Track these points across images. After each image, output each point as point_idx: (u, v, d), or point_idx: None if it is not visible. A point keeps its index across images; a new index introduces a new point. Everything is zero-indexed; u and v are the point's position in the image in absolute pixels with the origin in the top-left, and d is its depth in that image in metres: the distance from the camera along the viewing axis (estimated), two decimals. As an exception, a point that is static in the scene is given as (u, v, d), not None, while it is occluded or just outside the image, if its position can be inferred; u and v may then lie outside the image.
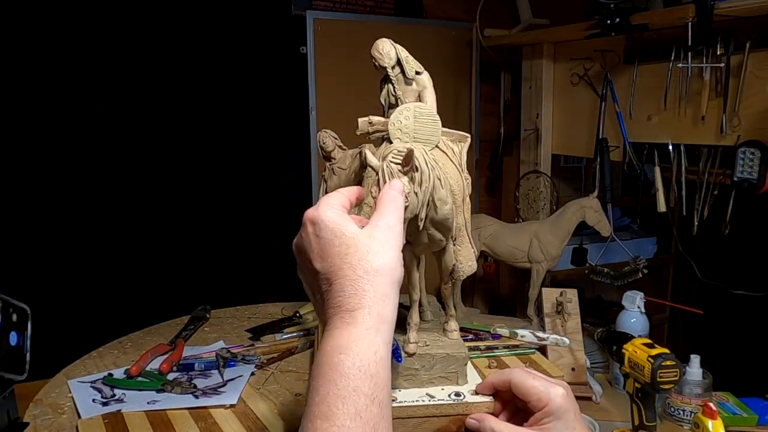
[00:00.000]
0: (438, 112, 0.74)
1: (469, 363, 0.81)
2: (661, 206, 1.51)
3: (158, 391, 0.91)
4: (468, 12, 2.08)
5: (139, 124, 1.72)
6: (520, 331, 1.08)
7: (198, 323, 1.22)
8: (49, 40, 1.58)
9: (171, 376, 0.97)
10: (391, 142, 0.70)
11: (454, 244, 0.76)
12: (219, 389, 0.92)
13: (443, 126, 0.74)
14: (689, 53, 1.34)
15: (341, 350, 0.50)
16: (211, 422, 0.83)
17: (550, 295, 1.43)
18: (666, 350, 1.01)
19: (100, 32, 1.64)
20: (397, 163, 0.64)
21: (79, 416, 0.84)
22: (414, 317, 0.80)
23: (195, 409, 0.86)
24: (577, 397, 0.69)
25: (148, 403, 0.87)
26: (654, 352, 1.01)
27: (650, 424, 1.04)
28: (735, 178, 1.27)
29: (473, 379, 0.79)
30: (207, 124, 1.81)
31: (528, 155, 1.92)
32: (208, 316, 1.27)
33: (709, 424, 1.00)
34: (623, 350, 1.06)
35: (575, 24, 1.61)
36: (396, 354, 0.75)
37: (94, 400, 0.89)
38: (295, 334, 1.16)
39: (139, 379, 0.96)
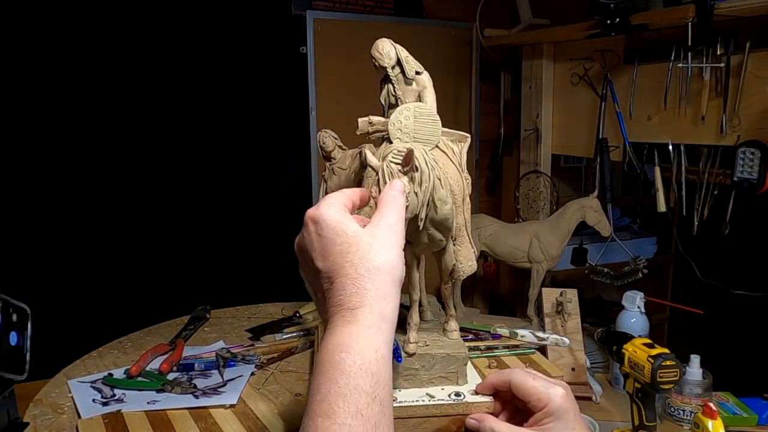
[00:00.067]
0: (438, 112, 0.74)
1: (469, 363, 0.81)
2: (661, 206, 1.51)
3: (158, 391, 0.91)
4: (468, 12, 2.08)
5: (139, 124, 1.72)
6: (520, 331, 1.08)
7: (198, 323, 1.22)
8: (49, 41, 1.58)
9: (171, 376, 0.97)
10: (391, 142, 0.70)
11: (454, 244, 0.76)
12: (219, 389, 0.92)
13: (443, 126, 0.74)
14: (689, 53, 1.34)
15: (342, 348, 0.50)
16: (211, 422, 0.83)
17: (550, 295, 1.43)
18: (666, 350, 1.01)
19: (100, 32, 1.64)
20: (397, 163, 0.64)
21: (79, 416, 0.84)
22: (414, 317, 0.80)
23: (195, 409, 0.86)
24: (577, 397, 0.69)
25: (148, 403, 0.87)
26: (654, 352, 1.01)
27: (650, 424, 1.04)
28: (735, 178, 1.27)
29: (473, 379, 0.79)
30: (207, 124, 1.81)
31: (528, 155, 1.92)
32: (208, 316, 1.27)
33: (709, 424, 1.00)
34: (623, 350, 1.06)
35: (575, 24, 1.61)
36: (396, 354, 0.75)
37: (94, 400, 0.89)
38: (295, 334, 1.16)
39: (139, 379, 0.96)
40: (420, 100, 0.75)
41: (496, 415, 0.71)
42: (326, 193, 1.07)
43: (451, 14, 2.11)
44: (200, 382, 0.94)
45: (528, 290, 1.62)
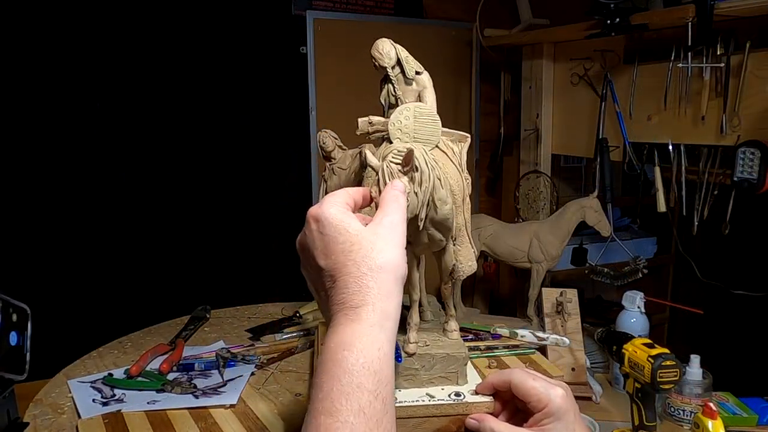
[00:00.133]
0: (438, 112, 0.74)
1: (469, 363, 0.81)
2: (661, 206, 1.51)
3: (158, 391, 0.91)
4: (468, 12, 2.08)
5: (139, 124, 1.72)
6: (520, 331, 1.08)
7: (198, 323, 1.22)
8: (49, 41, 1.58)
9: (171, 376, 0.97)
10: (391, 142, 0.70)
11: (454, 244, 0.76)
12: (219, 389, 0.92)
13: (443, 126, 0.74)
14: (689, 53, 1.34)
15: (345, 347, 0.50)
16: (211, 422, 0.83)
17: (550, 295, 1.43)
18: (666, 350, 1.01)
19: (100, 32, 1.64)
20: (397, 163, 0.64)
21: (79, 416, 0.85)
22: (414, 317, 0.80)
23: (195, 409, 0.86)
24: (577, 397, 0.69)
25: (148, 403, 0.87)
26: (654, 352, 1.01)
27: (650, 424, 1.04)
28: (735, 178, 1.27)
29: (473, 379, 0.79)
30: (207, 124, 1.81)
31: (528, 155, 1.92)
32: (208, 316, 1.27)
33: (709, 424, 1.00)
34: (623, 350, 1.06)
35: (575, 24, 1.61)
36: (396, 354, 0.75)
37: (94, 400, 0.89)
38: (295, 334, 1.16)
39: (139, 379, 0.96)
40: (420, 100, 0.75)
41: (496, 415, 0.71)
42: (326, 193, 1.07)
43: (451, 14, 2.11)
44: (200, 382, 0.94)
45: (528, 290, 1.62)
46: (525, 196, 1.92)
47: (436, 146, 0.73)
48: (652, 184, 1.53)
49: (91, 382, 0.95)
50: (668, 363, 0.99)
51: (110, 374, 0.97)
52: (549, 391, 0.64)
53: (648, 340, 1.06)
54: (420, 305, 0.83)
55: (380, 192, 0.61)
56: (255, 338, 1.15)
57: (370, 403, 0.48)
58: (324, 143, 1.08)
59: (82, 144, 1.66)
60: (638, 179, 1.62)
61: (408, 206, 0.62)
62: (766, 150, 1.20)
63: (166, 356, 1.02)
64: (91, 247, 1.70)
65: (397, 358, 0.75)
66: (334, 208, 0.56)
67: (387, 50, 0.74)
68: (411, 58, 0.76)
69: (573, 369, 1.38)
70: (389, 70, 0.75)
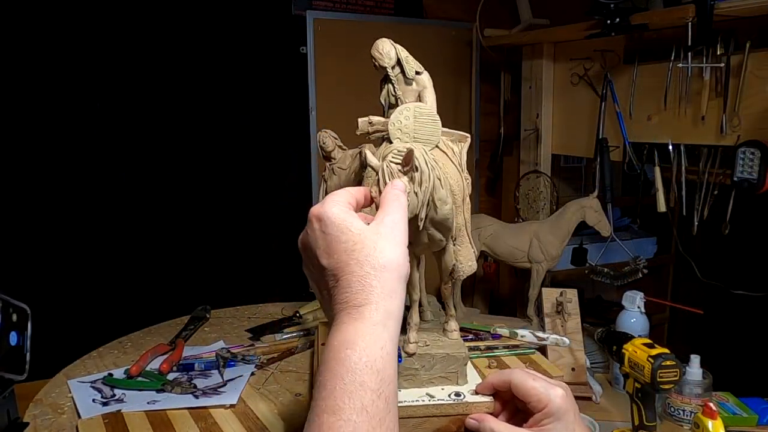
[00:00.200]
0: (438, 112, 0.74)
1: (469, 363, 0.81)
2: (661, 206, 1.51)
3: (158, 391, 0.91)
4: (468, 12, 2.08)
5: (139, 124, 1.72)
6: (520, 331, 1.08)
7: (198, 323, 1.22)
8: (49, 41, 1.58)
9: (171, 376, 0.97)
10: (391, 142, 0.70)
11: (454, 244, 0.76)
12: (219, 389, 0.92)
13: (443, 126, 0.74)
14: (689, 53, 1.34)
15: (348, 345, 0.50)
16: (211, 422, 0.83)
17: (550, 295, 1.43)
18: (666, 350, 1.01)
19: (100, 32, 1.64)
20: (397, 163, 0.64)
21: (79, 416, 0.84)
22: (414, 317, 0.80)
23: (195, 409, 0.86)
24: (577, 397, 0.69)
25: (148, 403, 0.87)
26: (654, 352, 1.01)
27: (650, 424, 1.04)
28: (735, 178, 1.27)
29: (473, 379, 0.79)
30: (207, 124, 1.81)
31: (528, 155, 1.92)
32: (208, 316, 1.27)
33: (709, 424, 1.00)
34: (623, 350, 1.06)
35: (575, 24, 1.61)
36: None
37: (94, 400, 0.89)
38: (295, 334, 1.16)
39: (139, 379, 0.96)
40: (420, 100, 0.75)
41: (496, 415, 0.71)
42: (326, 193, 1.07)
43: (451, 14, 2.11)
44: (200, 382, 0.94)
45: (528, 290, 1.62)
46: (525, 196, 1.92)
47: (436, 146, 0.74)
48: (652, 184, 1.53)
49: (91, 382, 0.95)
50: (668, 363, 0.99)
51: (110, 374, 0.97)
52: (549, 391, 0.64)
53: (648, 340, 1.06)
54: (420, 305, 0.83)
55: (380, 192, 0.61)
56: (255, 338, 1.15)
57: (373, 402, 0.48)
58: (324, 143, 1.08)
59: (82, 144, 1.66)
60: (638, 179, 1.62)
61: (408, 206, 0.62)
62: (766, 150, 1.20)
63: (166, 356, 1.02)
64: (91, 247, 1.70)
65: (398, 358, 0.75)
66: (336, 207, 0.56)
67: (387, 50, 0.74)
68: (411, 58, 0.76)
69: (573, 369, 1.38)
70: (389, 70, 0.75)
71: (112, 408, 0.86)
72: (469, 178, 0.76)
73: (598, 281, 1.62)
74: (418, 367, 0.77)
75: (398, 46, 0.75)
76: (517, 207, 1.95)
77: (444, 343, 0.80)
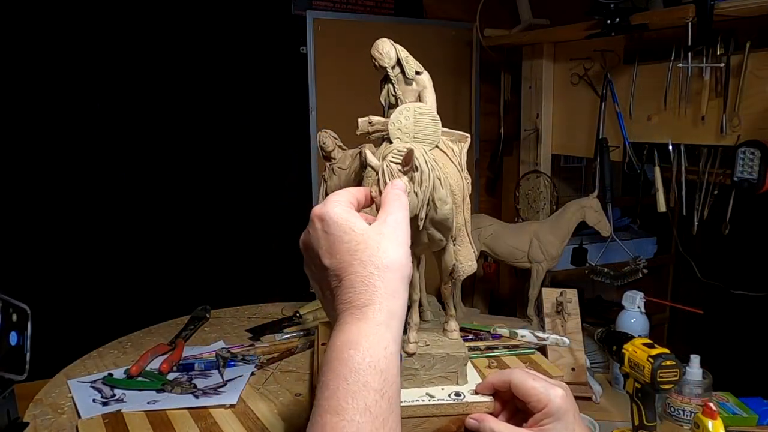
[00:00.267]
0: (438, 112, 0.74)
1: (469, 363, 0.81)
2: (661, 206, 1.51)
3: (158, 391, 0.91)
4: (468, 12, 2.08)
5: (139, 124, 1.72)
6: (520, 331, 1.08)
7: (198, 323, 1.22)
8: (49, 41, 1.58)
9: (171, 376, 0.97)
10: (391, 142, 0.70)
11: (454, 244, 0.76)
12: (219, 389, 0.92)
13: (443, 126, 0.74)
14: (689, 53, 1.34)
15: (351, 346, 0.50)
16: (211, 422, 0.83)
17: (550, 295, 1.43)
18: (666, 350, 1.01)
19: (100, 32, 1.64)
20: (397, 163, 0.64)
21: (79, 416, 0.84)
22: (414, 317, 0.80)
23: (195, 409, 0.86)
24: (577, 397, 0.69)
25: (148, 403, 0.87)
26: (654, 352, 1.01)
27: (650, 424, 1.04)
28: (735, 178, 1.27)
29: (473, 379, 0.79)
30: (207, 124, 1.81)
31: (528, 155, 1.92)
32: (208, 316, 1.27)
33: (709, 424, 1.00)
34: (623, 350, 1.06)
35: (575, 24, 1.61)
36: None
37: (94, 400, 0.89)
38: (295, 334, 1.16)
39: (139, 379, 0.96)
40: (420, 100, 0.75)
41: (495, 415, 0.71)
42: (326, 193, 1.07)
43: (451, 14, 2.11)
44: (200, 382, 0.94)
45: (528, 290, 1.62)
46: (525, 196, 1.92)
47: (436, 146, 0.74)
48: (652, 184, 1.53)
49: (91, 382, 0.95)
50: (668, 363, 0.99)
51: (110, 374, 0.97)
52: (549, 391, 0.64)
53: (648, 340, 1.06)
54: (420, 305, 0.84)
55: (380, 192, 0.61)
56: (255, 338, 1.15)
57: (376, 402, 0.48)
58: (324, 143, 1.08)
59: (82, 144, 1.66)
60: (638, 179, 1.62)
61: (408, 206, 0.62)
62: (766, 150, 1.20)
63: (166, 356, 1.02)
64: (91, 247, 1.70)
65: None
66: (338, 207, 0.56)
67: (387, 50, 0.74)
68: (411, 58, 0.76)
69: (573, 369, 1.38)
70: (389, 70, 0.75)
71: (112, 408, 0.86)
72: (469, 178, 0.76)
73: (598, 281, 1.62)
74: (418, 367, 0.77)
75: (398, 46, 0.75)
76: (517, 207, 1.95)
77: (444, 343, 0.80)
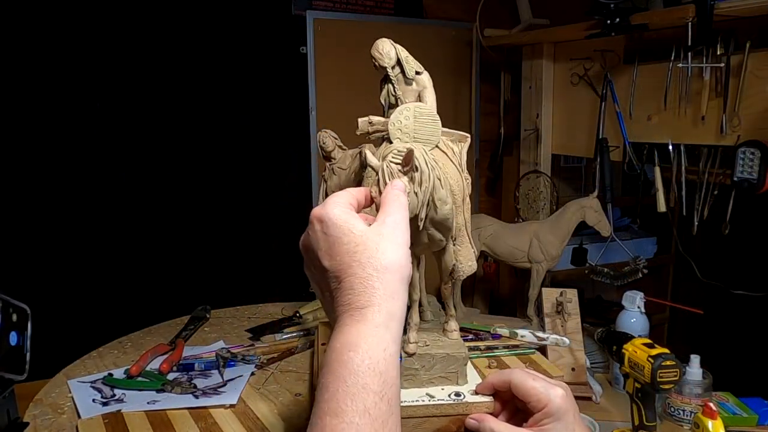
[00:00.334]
0: (438, 112, 0.74)
1: (469, 363, 0.81)
2: (661, 206, 1.51)
3: (158, 391, 0.91)
4: (468, 12, 2.08)
5: (139, 124, 1.72)
6: (520, 331, 1.08)
7: (198, 323, 1.22)
8: (49, 41, 1.58)
9: (171, 376, 0.97)
10: (391, 142, 0.70)
11: (454, 244, 0.76)
12: (219, 389, 0.92)
13: (443, 126, 0.74)
14: (689, 53, 1.34)
15: (350, 347, 0.50)
16: (211, 422, 0.83)
17: (550, 295, 1.43)
18: (666, 350, 1.01)
19: (100, 32, 1.64)
20: (397, 163, 0.64)
21: (79, 416, 0.85)
22: (414, 317, 0.80)
23: (195, 409, 0.86)
24: (577, 397, 0.69)
25: (148, 403, 0.87)
26: (654, 352, 1.01)
27: (650, 424, 1.04)
28: (735, 178, 1.27)
29: (473, 379, 0.79)
30: (207, 124, 1.81)
31: (528, 155, 1.92)
32: (208, 316, 1.27)
33: (709, 424, 1.00)
34: (623, 350, 1.06)
35: (575, 24, 1.61)
36: (396, 354, 0.75)
37: (94, 400, 0.89)
38: (295, 334, 1.16)
39: (139, 379, 0.96)
40: (420, 100, 0.75)
41: (495, 415, 0.71)
42: (326, 193, 1.07)
43: (451, 14, 2.11)
44: (200, 382, 0.94)
45: (528, 290, 1.62)
46: (525, 196, 1.92)
47: (436, 146, 0.73)
48: (652, 184, 1.53)
49: (91, 382, 0.95)
50: (668, 363, 0.99)
51: (110, 374, 0.97)
52: (549, 391, 0.64)
53: (648, 340, 1.06)
54: (420, 305, 0.83)
55: (380, 192, 0.61)
56: (255, 338, 1.15)
57: (376, 404, 0.48)
58: (324, 143, 1.09)
59: (82, 144, 1.66)
60: (638, 179, 1.62)
61: (408, 206, 0.62)
62: (766, 150, 1.20)
63: (166, 356, 1.02)
64: (91, 247, 1.70)
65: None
66: (338, 208, 0.56)
67: (387, 50, 0.74)
68: (411, 58, 0.76)
69: (573, 369, 1.38)
70: (389, 70, 0.75)
71: (112, 408, 0.86)
72: (469, 178, 0.76)
73: (598, 281, 1.62)
74: (418, 367, 0.77)
75: (398, 46, 0.75)
76: (517, 207, 1.95)
77: (444, 343, 0.80)
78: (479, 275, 1.99)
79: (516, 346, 1.05)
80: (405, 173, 0.63)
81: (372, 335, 0.51)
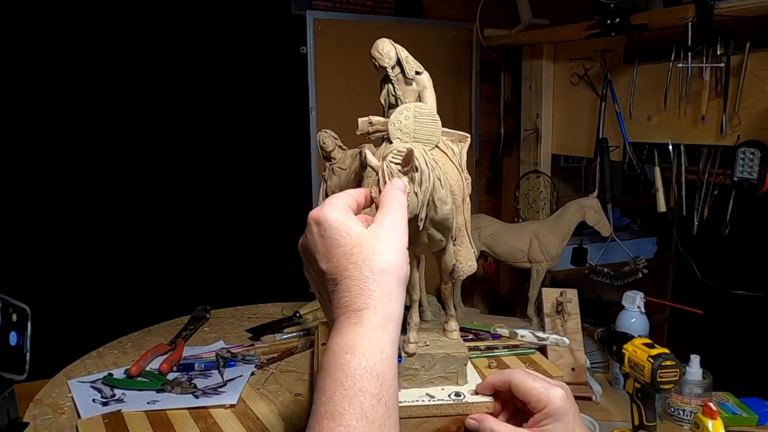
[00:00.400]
0: (438, 112, 0.74)
1: (469, 363, 0.81)
2: (661, 206, 1.51)
3: (158, 391, 0.91)
4: (468, 12, 2.08)
5: (139, 124, 1.72)
6: (520, 331, 1.08)
7: (198, 323, 1.22)
8: (49, 41, 1.58)
9: (171, 376, 0.97)
10: (391, 142, 0.70)
11: (454, 244, 0.76)
12: (219, 389, 0.92)
13: (443, 126, 0.74)
14: (689, 53, 1.34)
15: (347, 350, 0.50)
16: (211, 422, 0.83)
17: (550, 295, 1.43)
18: (666, 350, 1.01)
19: (100, 32, 1.64)
20: (397, 163, 0.64)
21: (79, 416, 0.85)
22: (414, 317, 0.80)
23: (195, 409, 0.86)
24: (577, 397, 0.69)
25: (148, 403, 0.87)
26: (654, 352, 1.00)
27: (650, 424, 1.04)
28: (735, 178, 1.27)
29: (473, 379, 0.79)
30: (207, 124, 1.81)
31: (528, 155, 1.92)
32: (208, 316, 1.27)
33: (709, 424, 1.00)
34: (623, 350, 1.06)
35: (575, 24, 1.61)
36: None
37: (94, 400, 0.89)
38: (295, 334, 1.16)
39: (139, 379, 0.96)
40: (420, 100, 0.75)
41: (495, 415, 0.71)
42: (326, 193, 1.07)
43: (451, 14, 2.11)
44: (200, 382, 0.94)
45: (528, 290, 1.62)
46: (525, 196, 1.92)
47: (436, 146, 0.73)
48: (652, 184, 1.53)
49: (91, 382, 0.95)
50: (668, 363, 0.99)
51: (110, 374, 0.97)
52: (549, 391, 0.64)
53: (648, 340, 1.06)
54: (420, 305, 0.83)
55: (380, 192, 0.61)
56: (255, 338, 1.15)
57: (373, 407, 0.48)
58: (324, 143, 1.09)
59: (82, 144, 1.66)
60: (638, 179, 1.62)
61: (408, 206, 0.62)
62: (766, 150, 1.20)
63: (166, 356, 1.02)
64: (91, 247, 1.70)
65: (398, 358, 0.75)
66: (335, 211, 0.56)
67: (387, 50, 0.74)
68: (411, 58, 0.76)
69: (573, 369, 1.38)
70: (389, 70, 0.75)
71: (112, 408, 0.86)
72: (469, 178, 0.76)
73: (598, 281, 1.62)
74: (418, 367, 0.77)
75: (398, 46, 0.75)
76: (517, 207, 1.95)
77: (444, 343, 0.80)
78: (479, 275, 1.99)
79: (516, 346, 1.05)
80: (405, 173, 0.63)
81: (368, 338, 0.51)
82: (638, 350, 1.03)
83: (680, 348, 1.19)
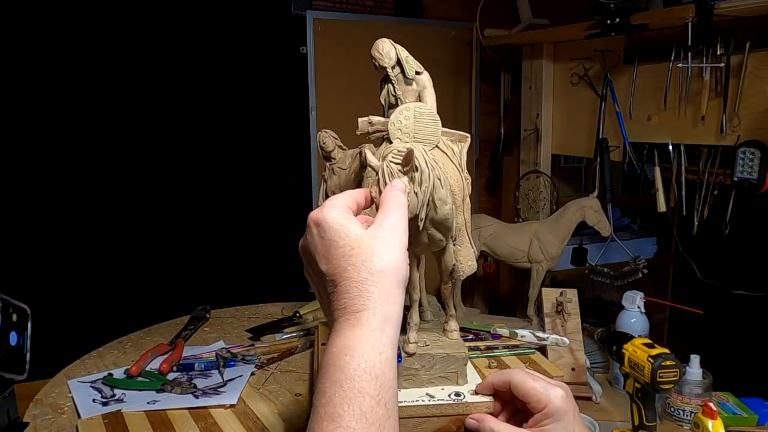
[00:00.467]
0: (438, 112, 0.74)
1: (469, 363, 0.81)
2: (661, 206, 1.51)
3: (158, 391, 0.91)
4: (468, 12, 2.08)
5: (139, 124, 1.72)
6: (520, 331, 1.08)
7: (198, 323, 1.22)
8: (49, 41, 1.58)
9: (171, 376, 0.97)
10: (391, 142, 0.70)
11: (454, 244, 0.76)
12: (219, 389, 0.92)
13: (443, 126, 0.74)
14: (689, 53, 1.34)
15: (347, 352, 0.50)
16: (211, 422, 0.83)
17: (550, 295, 1.43)
18: (666, 350, 1.01)
19: (100, 32, 1.64)
20: (397, 163, 0.64)
21: (79, 416, 0.85)
22: (414, 317, 0.80)
23: (195, 409, 0.86)
24: (577, 397, 0.69)
25: (148, 403, 0.87)
26: (654, 352, 1.01)
27: (650, 424, 1.04)
28: (735, 178, 1.27)
29: (473, 379, 0.79)
30: (207, 124, 1.81)
31: (528, 155, 1.92)
32: (208, 316, 1.27)
33: (709, 424, 1.00)
34: (623, 350, 1.06)
35: (575, 24, 1.61)
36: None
37: (94, 400, 0.89)
38: (295, 334, 1.16)
39: (139, 379, 0.96)
40: (420, 100, 0.75)
41: (495, 415, 0.71)
42: (326, 193, 1.07)
43: (451, 14, 2.11)
44: (200, 382, 0.94)
45: (528, 290, 1.62)
46: (525, 196, 1.92)
47: (436, 146, 0.73)
48: (652, 184, 1.53)
49: (91, 382, 0.95)
50: (668, 363, 0.99)
51: (110, 374, 0.97)
52: (549, 391, 0.64)
53: (648, 340, 1.06)
54: (420, 305, 0.83)
55: (380, 192, 0.61)
56: (255, 338, 1.15)
57: (372, 408, 0.48)
58: (324, 143, 1.09)
59: (81, 144, 1.66)
60: (638, 179, 1.62)
61: (408, 206, 0.61)
62: (766, 150, 1.20)
63: (166, 356, 1.02)
64: (91, 247, 1.70)
65: (397, 358, 0.75)
66: (335, 212, 0.56)
67: (387, 50, 0.74)
68: (411, 58, 0.76)
69: (573, 369, 1.38)
70: (389, 70, 0.75)
71: (112, 408, 0.86)
72: (469, 178, 0.76)
73: (598, 281, 1.62)
74: (418, 367, 0.77)
75: (398, 46, 0.75)
76: (517, 207, 1.95)
77: (444, 343, 0.80)
78: (479, 275, 1.99)
79: (516, 346, 1.05)
80: (405, 173, 0.63)
81: (368, 339, 0.51)
82: (638, 350, 1.03)
83: (680, 348, 1.19)
